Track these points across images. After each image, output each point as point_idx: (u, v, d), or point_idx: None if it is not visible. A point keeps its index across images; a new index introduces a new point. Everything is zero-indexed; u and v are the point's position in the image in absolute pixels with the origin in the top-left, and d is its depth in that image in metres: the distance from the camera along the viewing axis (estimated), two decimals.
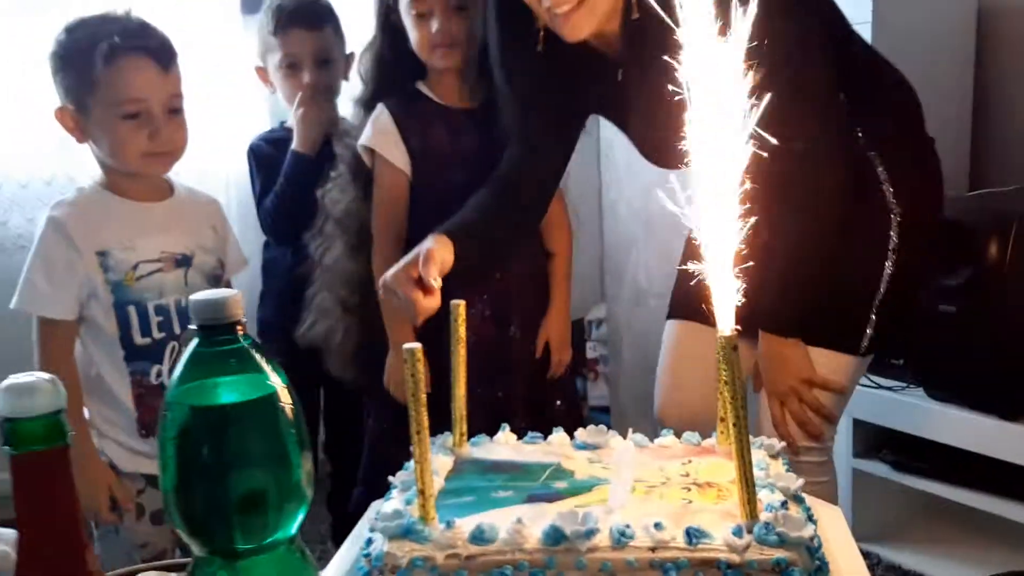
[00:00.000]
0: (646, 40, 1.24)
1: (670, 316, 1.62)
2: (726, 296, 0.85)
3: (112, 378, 1.55)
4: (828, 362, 1.41)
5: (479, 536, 0.82)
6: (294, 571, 0.61)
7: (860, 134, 1.38)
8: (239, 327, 0.58)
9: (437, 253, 1.23)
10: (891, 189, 1.37)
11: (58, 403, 0.53)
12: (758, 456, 0.96)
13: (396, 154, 1.72)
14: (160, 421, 0.58)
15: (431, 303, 1.20)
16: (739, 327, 0.84)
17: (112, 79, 1.48)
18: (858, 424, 2.12)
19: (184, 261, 1.59)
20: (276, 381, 0.58)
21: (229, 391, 0.57)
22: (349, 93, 1.92)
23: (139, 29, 1.52)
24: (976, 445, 1.88)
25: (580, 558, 0.79)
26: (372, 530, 0.85)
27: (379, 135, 1.72)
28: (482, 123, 1.71)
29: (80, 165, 1.70)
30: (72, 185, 1.59)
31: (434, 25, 1.65)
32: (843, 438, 2.17)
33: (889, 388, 2.03)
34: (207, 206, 1.69)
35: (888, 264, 1.37)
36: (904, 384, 2.01)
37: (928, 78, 2.14)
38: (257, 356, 0.58)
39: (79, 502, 0.54)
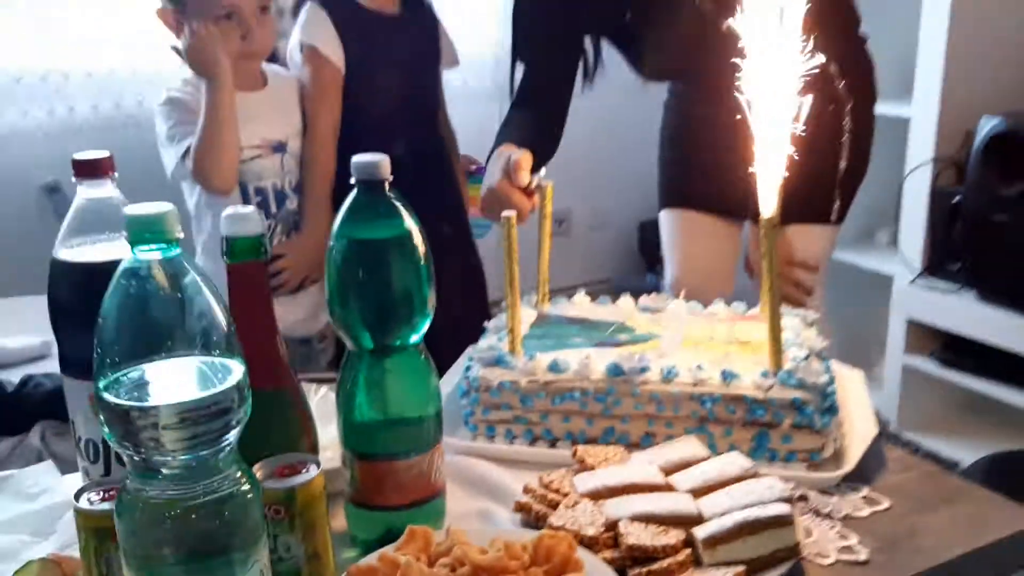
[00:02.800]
0: None
1: (664, 205, 1.87)
2: (770, 184, 1.02)
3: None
4: (806, 234, 1.65)
5: (555, 367, 1.02)
6: (419, 368, 0.83)
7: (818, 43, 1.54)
8: (386, 183, 0.78)
9: (525, 161, 1.41)
10: (842, 83, 1.58)
11: (261, 228, 0.74)
12: (794, 322, 1.14)
13: (335, 53, 1.79)
14: (327, 253, 0.79)
15: (531, 201, 1.39)
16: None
17: None
18: (911, 323, 2.25)
19: (280, 147, 1.77)
20: (411, 225, 0.78)
21: (378, 229, 0.77)
22: None
23: None
24: (1021, 345, 2.00)
25: (635, 388, 0.99)
26: (470, 359, 1.07)
27: (319, 33, 1.78)
28: (404, 28, 1.83)
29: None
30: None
31: None
32: (896, 336, 2.32)
33: (943, 290, 2.15)
34: (293, 84, 1.82)
35: (844, 145, 1.61)
36: (958, 286, 2.13)
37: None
38: (399, 206, 0.78)
39: (272, 305, 0.76)
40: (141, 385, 0.57)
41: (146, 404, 0.54)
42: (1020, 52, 2.29)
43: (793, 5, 0.97)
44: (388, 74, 1.84)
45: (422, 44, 1.92)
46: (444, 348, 1.01)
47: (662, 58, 1.61)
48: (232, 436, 0.59)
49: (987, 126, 1.97)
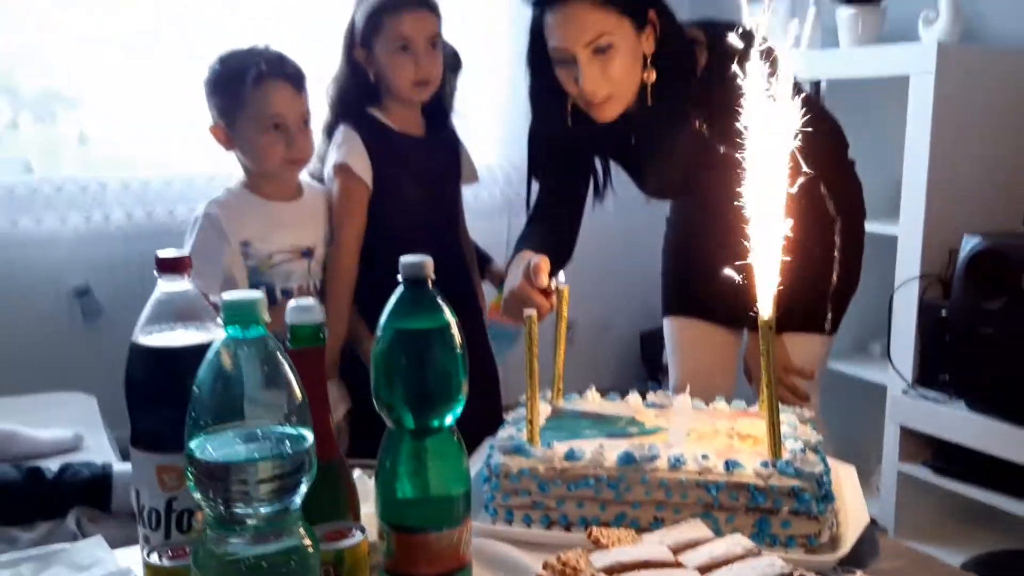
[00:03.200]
0: (657, 117, 1.61)
1: (667, 313, 2.00)
2: (767, 291, 1.13)
3: None
4: (802, 343, 1.75)
5: (571, 455, 1.11)
6: (453, 448, 0.91)
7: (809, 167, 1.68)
8: (429, 281, 0.89)
9: (544, 265, 1.53)
10: (832, 204, 1.72)
11: (321, 318, 0.85)
12: (790, 418, 1.23)
13: (365, 171, 1.94)
14: (376, 342, 0.89)
15: (549, 302, 1.50)
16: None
17: (258, 98, 1.78)
18: (905, 431, 2.33)
19: (308, 253, 1.91)
20: (450, 318, 0.89)
21: (421, 320, 0.88)
22: None
23: (278, 59, 1.83)
24: (1011, 454, 2.08)
25: (644, 476, 1.08)
26: (491, 447, 1.16)
27: (353, 154, 1.94)
28: (429, 148, 2.01)
29: (236, 164, 2.03)
30: (231, 179, 1.92)
31: (416, 64, 1.90)
32: (891, 444, 2.39)
33: (934, 400, 2.24)
34: (324, 196, 1.96)
35: (835, 260, 1.73)
36: (947, 397, 2.22)
37: (989, 126, 2.39)
38: (439, 300, 0.89)
39: (327, 386, 0.86)
40: (229, 445, 0.66)
41: (242, 459, 0.64)
42: (997, 175, 2.45)
43: (786, 131, 1.10)
44: (413, 189, 1.98)
45: (444, 162, 2.08)
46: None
47: (664, 178, 1.76)
48: (301, 493, 0.68)
49: (969, 244, 2.11)
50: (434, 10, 1.96)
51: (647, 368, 3.70)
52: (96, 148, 2.66)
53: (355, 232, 1.96)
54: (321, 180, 2.01)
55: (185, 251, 1.80)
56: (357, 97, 1.98)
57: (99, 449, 1.85)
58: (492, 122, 3.28)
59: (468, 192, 3.34)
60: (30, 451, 1.76)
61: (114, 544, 1.08)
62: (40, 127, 2.62)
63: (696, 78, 1.61)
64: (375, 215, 1.97)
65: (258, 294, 0.68)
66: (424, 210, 2.01)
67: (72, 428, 1.89)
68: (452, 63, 2.17)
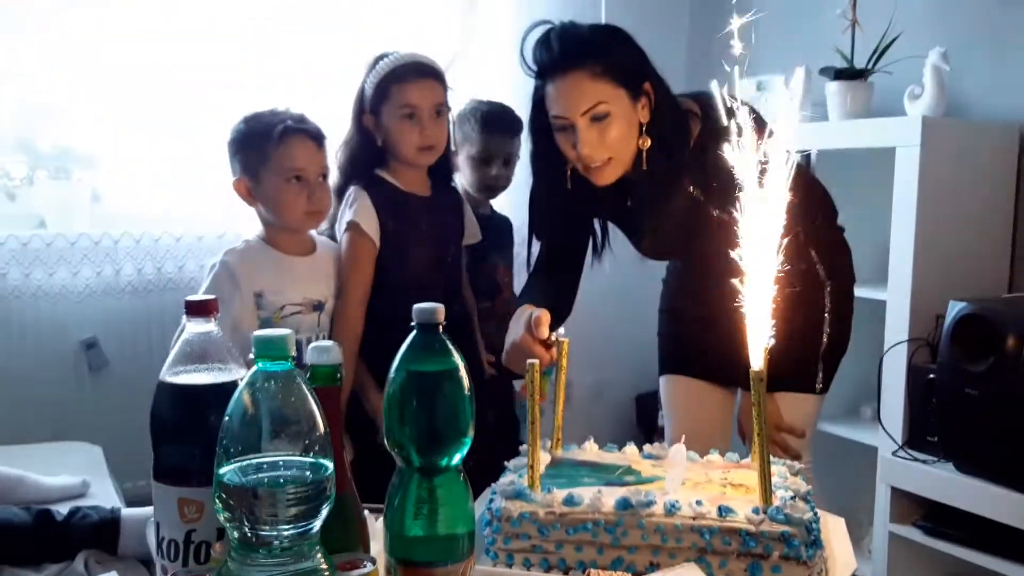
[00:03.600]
0: (652, 180, 1.69)
1: (663, 372, 2.07)
2: (758, 346, 1.19)
3: None
4: (793, 402, 1.82)
5: (570, 500, 1.15)
6: (459, 489, 0.96)
7: (800, 232, 1.75)
8: (440, 327, 0.95)
9: (544, 318, 1.59)
10: (822, 268, 1.80)
11: (339, 359, 0.91)
12: (781, 470, 1.28)
13: (373, 228, 2.04)
14: (388, 384, 0.95)
15: (549, 354, 1.55)
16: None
17: (282, 153, 1.88)
18: (895, 492, 2.37)
19: (319, 306, 1.98)
20: (458, 361, 0.94)
21: (432, 363, 0.93)
22: None
23: (300, 117, 1.95)
24: (1000, 515, 2.11)
25: (641, 520, 1.12)
26: (493, 492, 1.20)
27: (362, 212, 2.03)
28: (434, 207, 2.11)
29: (244, 223, 2.13)
30: (238, 239, 2.01)
31: (421, 131, 2.01)
32: (881, 505, 2.42)
33: (924, 461, 2.29)
34: (335, 251, 2.06)
35: (826, 321, 1.81)
36: (936, 458, 2.27)
37: (974, 196, 2.48)
38: (449, 345, 0.95)
39: (342, 423, 0.91)
40: (257, 471, 0.71)
41: (270, 483, 0.69)
42: (982, 243, 2.53)
43: (778, 197, 1.17)
44: (418, 247, 2.07)
45: (449, 221, 2.17)
46: None
47: (659, 240, 1.83)
48: (321, 518, 0.73)
49: (955, 309, 2.17)
50: (440, 79, 2.07)
51: (643, 431, 3.73)
52: (109, 205, 2.73)
53: (362, 286, 2.03)
54: (332, 239, 2.09)
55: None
56: (366, 160, 2.08)
57: (105, 496, 1.88)
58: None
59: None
60: (37, 496, 1.79)
61: None
62: (55, 184, 2.70)
63: (690, 146, 1.70)
64: (382, 271, 2.05)
65: (288, 331, 0.74)
66: (429, 267, 2.09)
67: (79, 476, 1.92)
68: (511, 126, 2.38)
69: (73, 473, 1.94)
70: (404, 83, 2.00)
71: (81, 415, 2.50)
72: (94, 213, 2.71)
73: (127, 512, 1.54)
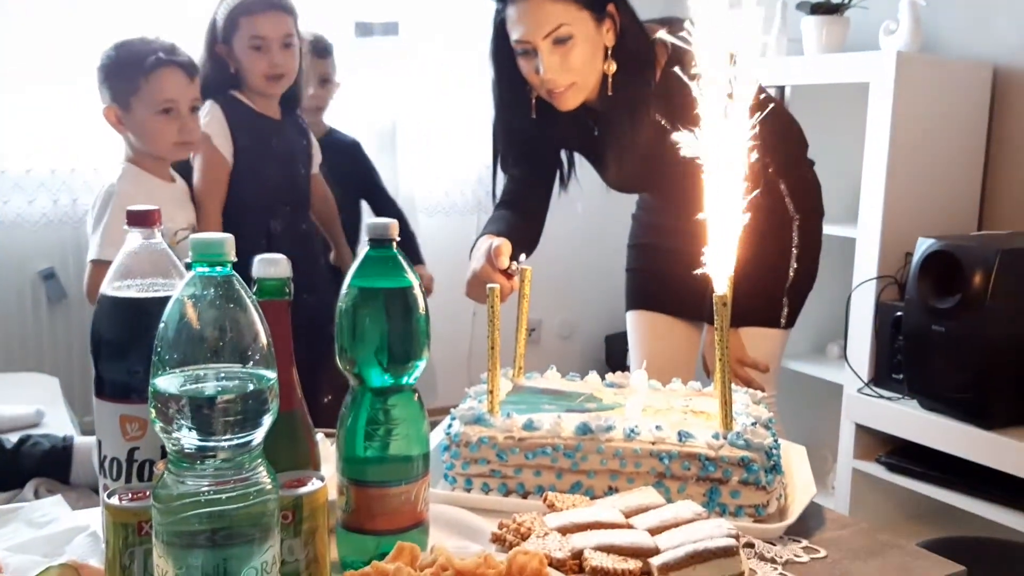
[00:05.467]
0: (618, 108, 1.66)
1: (630, 308, 2.06)
2: (722, 273, 1.17)
3: None
4: (758, 337, 1.81)
5: (529, 425, 1.14)
6: (413, 409, 0.94)
7: (770, 163, 1.73)
8: (393, 243, 0.91)
9: (505, 247, 1.56)
10: (791, 202, 1.78)
11: (287, 273, 0.87)
12: (743, 399, 1.27)
13: (225, 145, 2.10)
14: (340, 300, 0.91)
15: (511, 283, 1.53)
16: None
17: (153, 84, 1.87)
18: (860, 429, 2.39)
19: (195, 230, 1.99)
20: (412, 279, 0.91)
21: (386, 280, 0.90)
22: None
23: (171, 48, 1.93)
24: (962, 451, 2.14)
25: (600, 445, 1.11)
26: (452, 417, 1.18)
27: (214, 127, 2.09)
28: (284, 130, 2.19)
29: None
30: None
31: (270, 61, 2.09)
32: (845, 442, 2.45)
33: (888, 398, 2.30)
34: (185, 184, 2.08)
35: (793, 256, 1.79)
36: (901, 395, 2.28)
37: (946, 134, 2.46)
38: (403, 262, 0.91)
39: (291, 339, 0.88)
40: (193, 380, 0.68)
41: (205, 391, 0.66)
42: (951, 182, 2.52)
43: (745, 127, 1.14)
44: (270, 167, 2.15)
45: (297, 144, 2.26)
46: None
47: (625, 171, 1.79)
48: (263, 430, 0.70)
49: (923, 246, 2.16)
50: (288, 11, 2.15)
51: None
52: (65, 132, 2.64)
53: (219, 205, 2.09)
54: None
55: (99, 228, 1.86)
56: (219, 83, 2.14)
57: (61, 427, 1.85)
58: (464, 123, 3.32)
59: (438, 190, 3.40)
60: None
61: None
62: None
63: (656, 72, 1.65)
64: (236, 189, 2.11)
65: (225, 235, 0.70)
66: (283, 185, 2.18)
67: (34, 406, 1.88)
68: (319, 48, 2.49)
69: (30, 401, 1.90)
70: (253, 15, 2.09)
71: (39, 347, 2.46)
72: (51, 141, 2.62)
73: (80, 440, 1.51)
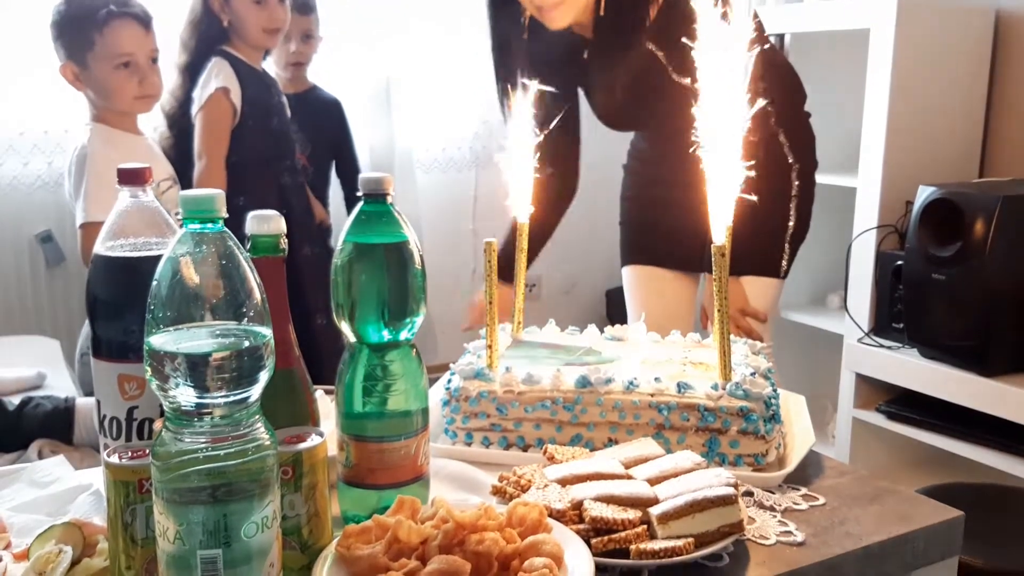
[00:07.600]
0: (610, 30, 1.63)
1: (626, 263, 2.04)
2: (721, 222, 1.16)
3: None
4: (757, 287, 1.80)
5: (528, 379, 1.14)
6: (411, 365, 0.94)
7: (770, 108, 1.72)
8: (388, 196, 0.90)
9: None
10: (790, 150, 1.76)
11: (282, 229, 0.86)
12: (742, 349, 1.27)
13: (237, 97, 2.15)
14: (335, 256, 0.91)
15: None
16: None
17: (108, 39, 1.83)
18: (860, 378, 2.39)
19: (176, 181, 1.99)
20: (409, 233, 0.91)
21: (382, 235, 0.90)
22: None
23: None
24: (961, 398, 2.14)
25: (599, 398, 1.11)
26: (452, 372, 1.18)
27: (231, 80, 2.14)
28: (273, 85, 2.27)
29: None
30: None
31: (269, 13, 2.16)
32: (846, 391, 2.45)
33: (888, 347, 2.30)
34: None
35: (792, 204, 1.78)
36: (901, 344, 2.28)
37: (947, 80, 2.43)
38: (398, 217, 0.91)
39: (286, 296, 0.88)
40: (188, 338, 0.68)
41: (199, 348, 0.65)
42: (952, 129, 2.50)
43: (741, 66, 1.12)
44: (272, 119, 2.22)
45: (281, 97, 2.32)
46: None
47: (616, 100, 1.76)
48: (259, 387, 0.70)
49: (924, 194, 2.15)
50: None
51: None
52: (57, 93, 2.61)
53: (224, 149, 2.13)
54: (176, 118, 2.17)
55: (81, 193, 1.84)
56: (212, 38, 2.17)
57: (63, 389, 1.86)
58: (461, 78, 3.28)
59: (435, 146, 3.37)
60: None
61: None
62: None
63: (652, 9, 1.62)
64: (238, 141, 2.15)
65: (216, 191, 0.69)
66: (281, 141, 2.25)
67: (35, 368, 1.89)
68: (302, 4, 2.52)
69: (30, 364, 1.91)
70: None
71: (39, 310, 2.46)
72: (43, 102, 2.59)
73: (82, 401, 1.52)
